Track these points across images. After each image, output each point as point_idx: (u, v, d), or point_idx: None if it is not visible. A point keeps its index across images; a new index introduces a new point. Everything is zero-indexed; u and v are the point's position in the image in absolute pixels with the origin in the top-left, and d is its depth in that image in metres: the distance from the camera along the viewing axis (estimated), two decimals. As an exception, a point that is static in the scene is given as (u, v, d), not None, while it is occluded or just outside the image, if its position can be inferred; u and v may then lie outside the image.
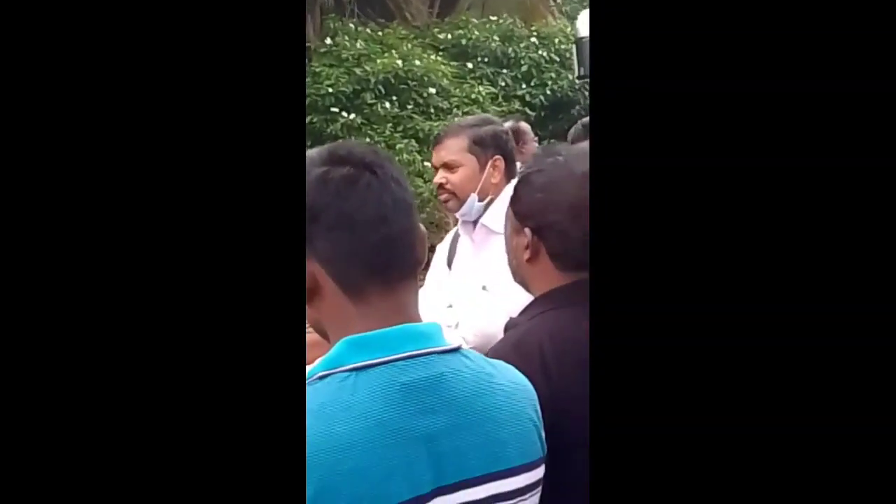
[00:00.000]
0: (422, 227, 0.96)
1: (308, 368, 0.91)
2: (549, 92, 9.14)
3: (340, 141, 1.03)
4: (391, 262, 0.90)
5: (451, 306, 2.00)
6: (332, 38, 8.46)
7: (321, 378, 0.86)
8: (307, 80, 7.91)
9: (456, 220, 2.32)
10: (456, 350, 0.91)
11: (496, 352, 1.18)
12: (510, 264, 1.43)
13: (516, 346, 0.99)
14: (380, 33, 8.88)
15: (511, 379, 0.96)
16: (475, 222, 2.18)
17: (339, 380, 0.85)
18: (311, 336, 1.82)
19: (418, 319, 0.91)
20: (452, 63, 8.86)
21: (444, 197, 2.18)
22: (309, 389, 0.86)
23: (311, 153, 0.93)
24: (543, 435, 0.97)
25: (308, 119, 7.79)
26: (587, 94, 8.05)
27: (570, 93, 9.20)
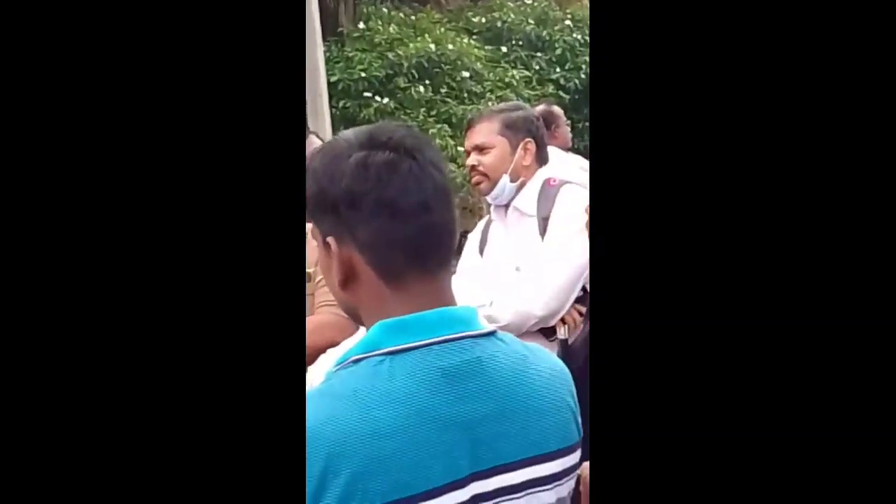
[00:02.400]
0: (455, 212, 0.94)
1: (341, 352, 0.91)
2: (583, 76, 9.05)
3: (378, 123, 1.00)
4: (431, 249, 0.89)
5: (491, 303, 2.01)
6: (365, 22, 8.47)
7: (355, 362, 0.85)
8: (340, 64, 7.94)
9: (489, 209, 2.32)
10: (491, 334, 0.90)
11: None
12: None
13: None
14: (413, 17, 8.87)
15: (547, 363, 0.95)
16: (507, 206, 2.17)
17: (373, 363, 0.84)
18: (337, 318, 1.80)
19: (454, 304, 0.90)
20: (486, 47, 8.83)
21: (476, 179, 2.18)
22: (343, 373, 0.85)
23: (347, 135, 0.91)
24: (580, 419, 0.96)
25: (341, 104, 7.82)
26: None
27: (604, 76, 9.11)
